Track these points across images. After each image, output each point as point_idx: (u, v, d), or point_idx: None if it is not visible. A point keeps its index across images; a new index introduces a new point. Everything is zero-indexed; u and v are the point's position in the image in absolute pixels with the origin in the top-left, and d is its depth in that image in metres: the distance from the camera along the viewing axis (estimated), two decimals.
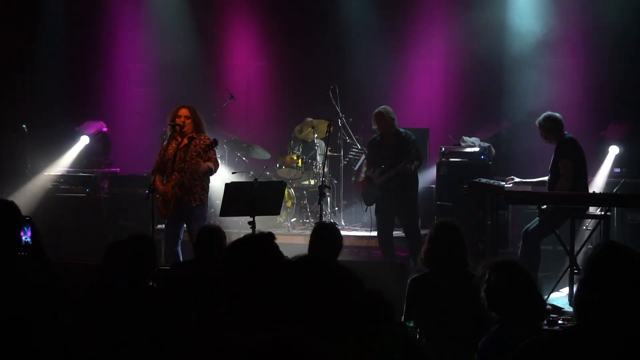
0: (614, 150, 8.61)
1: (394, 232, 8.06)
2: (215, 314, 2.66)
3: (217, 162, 7.14)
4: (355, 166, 9.66)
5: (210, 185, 7.19)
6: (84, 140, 9.63)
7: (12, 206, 3.20)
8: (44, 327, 3.02)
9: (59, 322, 3.08)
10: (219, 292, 4.77)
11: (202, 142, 6.98)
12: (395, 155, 7.59)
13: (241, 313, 2.42)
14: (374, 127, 7.82)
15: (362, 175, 7.98)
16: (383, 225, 7.88)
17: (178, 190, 6.88)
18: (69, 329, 3.13)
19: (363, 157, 9.65)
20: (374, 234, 8.84)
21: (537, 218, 6.88)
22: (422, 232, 8.36)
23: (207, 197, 7.14)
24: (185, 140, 7.03)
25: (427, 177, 9.20)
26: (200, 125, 7.11)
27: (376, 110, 7.76)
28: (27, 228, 3.28)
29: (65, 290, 3.25)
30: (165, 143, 7.16)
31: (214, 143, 6.93)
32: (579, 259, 6.75)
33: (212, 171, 7.04)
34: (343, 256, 6.62)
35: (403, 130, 7.82)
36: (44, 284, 3.19)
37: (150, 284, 4.35)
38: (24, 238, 3.26)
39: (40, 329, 3.01)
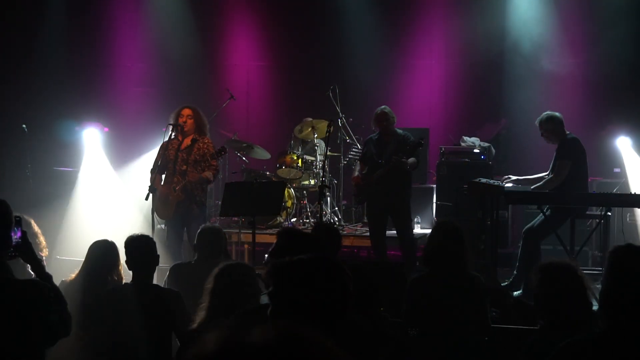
0: (626, 141, 8.54)
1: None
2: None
3: (218, 170, 7.14)
4: (355, 166, 9.65)
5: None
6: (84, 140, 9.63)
7: (4, 205, 3.14)
8: (34, 326, 3.00)
9: (49, 321, 3.03)
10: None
11: (205, 147, 6.94)
12: (393, 153, 7.50)
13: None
14: (375, 126, 7.66)
15: (356, 172, 7.83)
16: (376, 226, 7.67)
17: (181, 194, 6.86)
18: (59, 327, 3.08)
19: None
20: None
21: (537, 218, 6.88)
22: (424, 231, 8.36)
23: (206, 198, 7.14)
24: (188, 142, 6.99)
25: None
26: (203, 127, 7.06)
27: (380, 111, 7.53)
28: (17, 228, 3.18)
29: (56, 289, 3.19)
30: (164, 142, 7.11)
31: (222, 151, 6.87)
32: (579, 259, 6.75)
33: (210, 181, 7.02)
34: (343, 256, 6.61)
35: (401, 130, 7.73)
36: (34, 283, 3.13)
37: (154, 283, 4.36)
38: (14, 238, 3.16)
39: (30, 328, 2.99)
